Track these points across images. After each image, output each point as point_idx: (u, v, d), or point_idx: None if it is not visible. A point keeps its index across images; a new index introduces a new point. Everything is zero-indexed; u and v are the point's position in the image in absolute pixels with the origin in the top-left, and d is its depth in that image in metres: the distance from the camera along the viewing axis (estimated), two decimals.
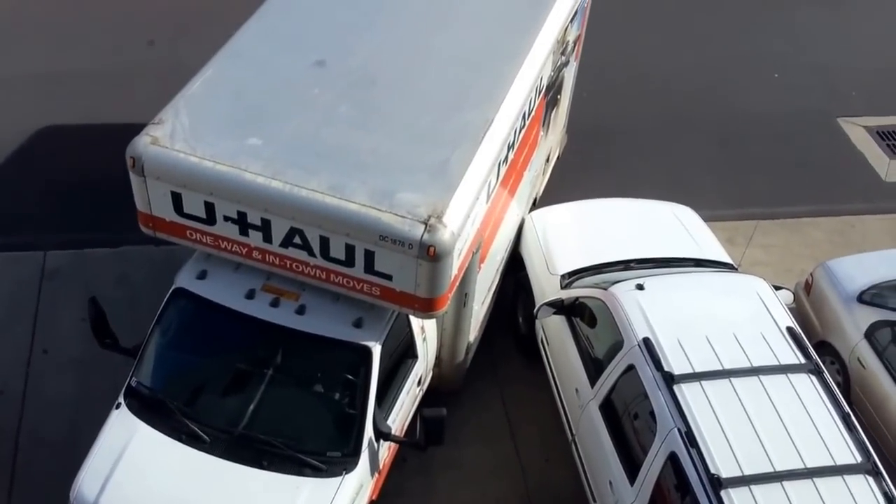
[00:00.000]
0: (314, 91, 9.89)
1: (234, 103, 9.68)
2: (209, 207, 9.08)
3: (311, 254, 9.03)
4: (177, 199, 9.16)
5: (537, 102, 11.45)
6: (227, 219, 9.10)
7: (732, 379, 9.52)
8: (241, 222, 9.07)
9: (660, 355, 9.68)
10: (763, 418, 9.22)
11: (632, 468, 9.54)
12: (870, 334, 11.57)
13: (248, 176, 8.87)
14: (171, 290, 9.82)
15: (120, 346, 10.03)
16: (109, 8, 17.82)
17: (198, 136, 9.18)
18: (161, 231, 9.55)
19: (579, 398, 10.65)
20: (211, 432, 9.26)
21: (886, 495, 8.75)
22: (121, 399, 9.62)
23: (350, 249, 8.82)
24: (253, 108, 9.62)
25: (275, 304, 9.53)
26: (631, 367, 9.87)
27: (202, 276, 9.77)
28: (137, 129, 9.31)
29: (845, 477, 8.87)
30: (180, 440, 9.26)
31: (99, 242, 13.52)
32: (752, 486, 8.70)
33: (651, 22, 18.76)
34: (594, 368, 10.52)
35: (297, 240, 8.99)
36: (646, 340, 9.84)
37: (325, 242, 8.88)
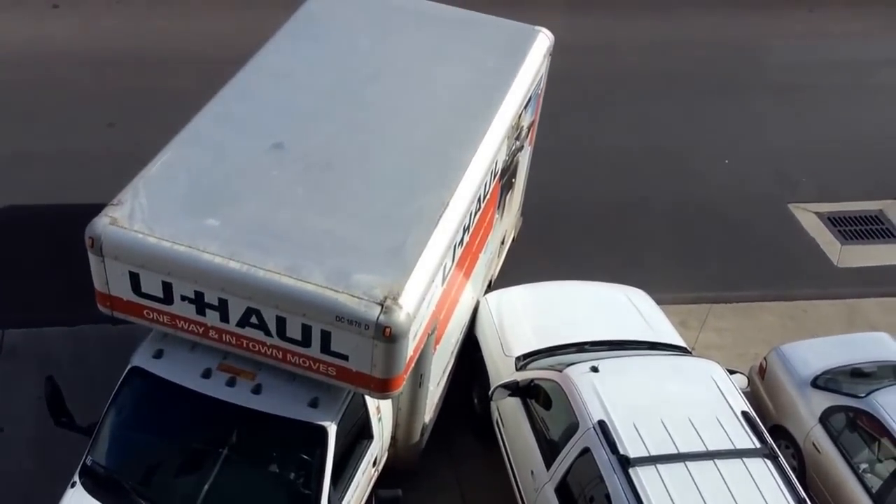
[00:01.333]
0: (272, 173, 10.01)
1: (193, 185, 9.76)
2: (167, 287, 9.11)
3: (268, 333, 9.06)
4: (135, 279, 9.19)
5: (492, 186, 11.60)
6: (184, 298, 9.13)
7: (688, 463, 9.56)
8: (199, 302, 9.10)
9: (615, 438, 9.71)
10: (719, 503, 9.24)
11: None
12: (824, 419, 11.68)
13: (205, 256, 8.92)
14: (127, 369, 9.80)
15: (76, 425, 9.99)
16: (69, 90, 17.88)
17: (156, 217, 9.25)
18: (118, 310, 9.57)
19: (535, 481, 10.64)
20: None
21: None
22: (76, 478, 9.55)
23: (307, 329, 8.86)
24: (211, 190, 9.71)
25: (231, 383, 9.53)
26: (586, 450, 9.88)
27: (158, 355, 9.77)
28: (96, 209, 9.38)
29: None
30: None
31: (56, 321, 13.47)
32: None
33: (603, 108, 19.03)
34: (549, 451, 10.52)
35: (253, 319, 9.02)
36: (601, 423, 9.88)
37: (281, 322, 8.91)
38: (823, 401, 11.82)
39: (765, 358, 12.88)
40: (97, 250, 9.13)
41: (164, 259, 8.98)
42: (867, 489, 11.02)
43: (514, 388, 11.11)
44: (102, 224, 9.16)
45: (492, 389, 11.39)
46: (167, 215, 9.30)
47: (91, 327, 12.97)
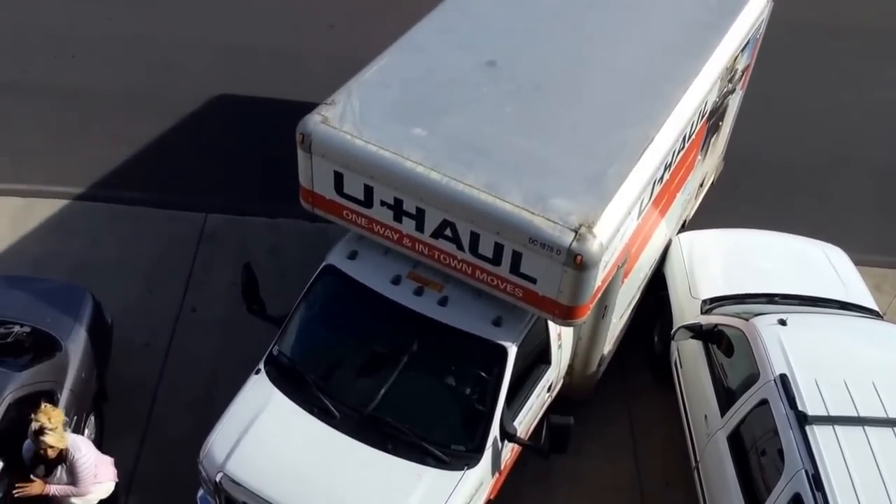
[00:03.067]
0: (482, 90, 10.05)
1: (404, 93, 9.90)
2: (368, 190, 9.33)
3: (460, 248, 9.18)
4: (338, 179, 9.43)
5: (699, 127, 11.40)
6: (383, 203, 9.33)
7: (867, 427, 9.31)
8: (397, 209, 9.29)
9: (795, 393, 9.54)
10: (894, 472, 8.97)
11: None
12: None
13: (408, 164, 9.08)
14: (321, 267, 10.09)
15: (266, 314, 10.34)
16: None
17: (366, 121, 9.44)
18: (319, 208, 9.85)
19: (707, 426, 10.57)
20: (342, 409, 9.49)
21: None
22: (261, 366, 9.92)
23: (498, 248, 8.94)
24: (421, 100, 9.84)
25: (418, 292, 9.71)
26: (764, 402, 9.74)
27: (353, 256, 10.02)
28: (309, 107, 9.63)
29: None
30: (312, 413, 9.51)
31: (257, 211, 13.97)
32: None
33: (821, 61, 18.35)
34: (726, 398, 10.42)
35: (447, 232, 9.15)
36: (782, 377, 9.70)
37: (474, 238, 9.02)
38: None
39: None
40: (306, 147, 9.39)
41: (369, 162, 9.17)
42: None
43: (697, 331, 10.99)
44: (314, 122, 9.40)
45: (674, 329, 11.32)
46: (376, 120, 9.47)
47: (290, 221, 13.51)
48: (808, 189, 15.66)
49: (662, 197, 10.99)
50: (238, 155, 14.86)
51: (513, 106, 9.93)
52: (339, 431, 9.41)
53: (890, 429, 9.35)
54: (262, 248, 13.30)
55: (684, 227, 13.49)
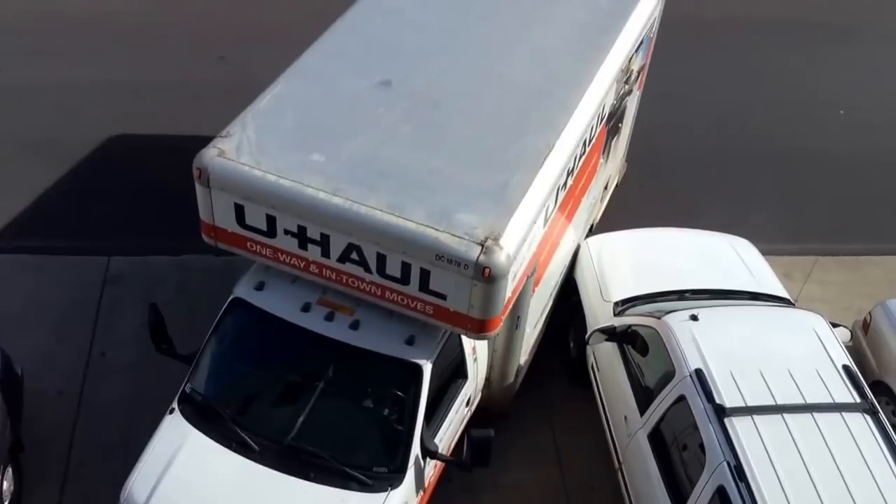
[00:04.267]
0: (378, 110, 10.00)
1: (300, 120, 9.83)
2: (270, 220, 9.23)
3: (368, 270, 9.12)
4: (239, 211, 9.31)
5: (598, 130, 11.48)
6: (287, 232, 9.23)
7: (785, 415, 9.46)
8: (301, 236, 9.20)
9: (712, 387, 9.64)
10: (815, 456, 9.13)
11: (679, 500, 9.50)
12: None
13: (309, 191, 8.99)
14: (229, 300, 9.98)
15: (176, 353, 10.19)
16: (182, 24, 18.23)
17: (263, 150, 9.34)
18: (222, 241, 9.72)
19: (628, 426, 10.63)
20: (261, 441, 9.37)
21: None
22: (174, 405, 9.76)
23: (406, 267, 8.90)
24: (318, 125, 9.77)
25: (329, 318, 9.63)
26: (682, 398, 9.83)
27: (260, 287, 9.91)
28: (205, 141, 9.50)
29: None
30: (230, 448, 9.38)
31: (161, 250, 13.77)
32: None
33: (715, 56, 18.69)
34: (644, 397, 10.49)
35: (354, 256, 9.08)
36: (698, 371, 9.81)
37: (381, 259, 8.96)
38: None
39: (869, 312, 12.60)
40: (204, 181, 9.26)
41: (269, 192, 9.07)
42: None
43: (611, 333, 11.06)
44: (210, 155, 9.27)
45: (589, 333, 11.38)
46: (274, 149, 9.38)
47: (195, 257, 13.28)
48: (712, 184, 15.89)
49: (567, 203, 11.04)
50: (137, 194, 14.67)
51: (411, 124, 9.90)
52: (259, 464, 9.28)
53: (809, 414, 9.50)
54: (168, 287, 13.15)
55: (592, 231, 13.58)
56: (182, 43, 17.81)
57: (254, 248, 9.58)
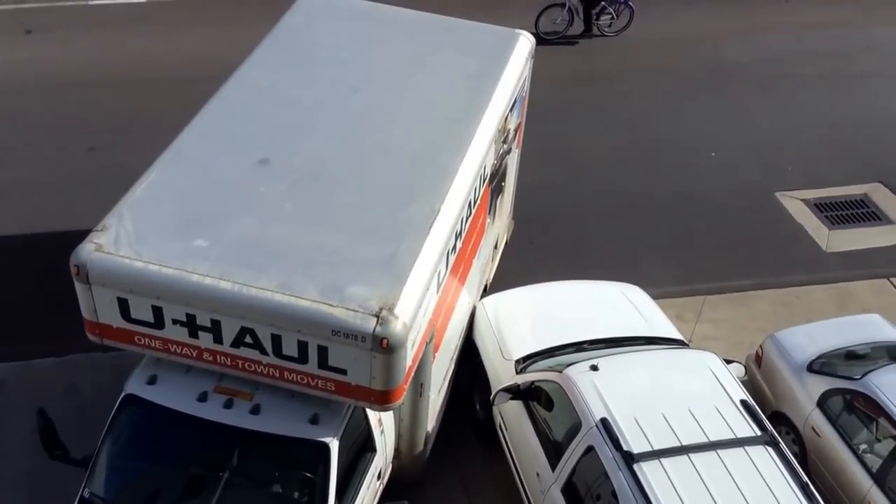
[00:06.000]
0: (259, 190, 9.89)
1: (179, 206, 9.64)
2: (157, 311, 8.99)
3: (264, 352, 8.95)
4: (123, 305, 9.06)
5: (482, 190, 11.54)
6: (175, 321, 9.00)
7: (691, 455, 9.57)
8: (191, 324, 8.98)
9: (618, 435, 9.69)
10: (723, 492, 9.25)
11: None
12: (822, 403, 11.67)
13: (195, 278, 8.80)
14: (120, 397, 9.66)
15: (70, 458, 9.83)
16: (47, 116, 17.81)
17: (143, 241, 9.12)
18: (108, 338, 9.43)
19: (541, 483, 10.58)
20: None
21: None
22: None
23: (303, 346, 8.76)
24: (198, 210, 9.60)
25: (228, 405, 9.40)
26: (590, 449, 9.84)
27: (152, 381, 9.63)
28: (81, 236, 9.24)
29: None
30: None
31: (45, 352, 13.30)
32: None
33: (587, 109, 19.07)
34: (554, 452, 10.48)
35: (248, 339, 8.91)
36: (603, 421, 9.85)
37: (277, 340, 8.81)
38: (820, 385, 11.81)
39: (760, 346, 12.89)
40: (83, 278, 9.00)
41: (153, 283, 8.84)
42: (867, 469, 11.01)
43: (515, 392, 11.05)
44: (87, 251, 9.01)
45: (493, 394, 11.33)
46: (154, 238, 9.17)
47: (82, 356, 12.84)
48: (599, 233, 16.12)
49: (459, 266, 11.03)
50: (14, 297, 14.15)
51: (293, 201, 9.80)
52: None
53: (713, 451, 9.64)
54: (55, 389, 12.65)
55: (486, 291, 13.59)
56: (51, 136, 17.39)
57: (142, 342, 9.32)
